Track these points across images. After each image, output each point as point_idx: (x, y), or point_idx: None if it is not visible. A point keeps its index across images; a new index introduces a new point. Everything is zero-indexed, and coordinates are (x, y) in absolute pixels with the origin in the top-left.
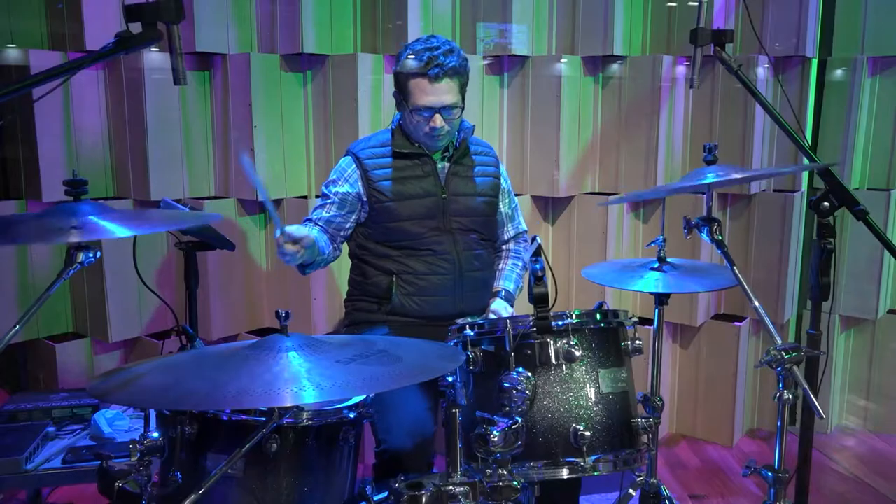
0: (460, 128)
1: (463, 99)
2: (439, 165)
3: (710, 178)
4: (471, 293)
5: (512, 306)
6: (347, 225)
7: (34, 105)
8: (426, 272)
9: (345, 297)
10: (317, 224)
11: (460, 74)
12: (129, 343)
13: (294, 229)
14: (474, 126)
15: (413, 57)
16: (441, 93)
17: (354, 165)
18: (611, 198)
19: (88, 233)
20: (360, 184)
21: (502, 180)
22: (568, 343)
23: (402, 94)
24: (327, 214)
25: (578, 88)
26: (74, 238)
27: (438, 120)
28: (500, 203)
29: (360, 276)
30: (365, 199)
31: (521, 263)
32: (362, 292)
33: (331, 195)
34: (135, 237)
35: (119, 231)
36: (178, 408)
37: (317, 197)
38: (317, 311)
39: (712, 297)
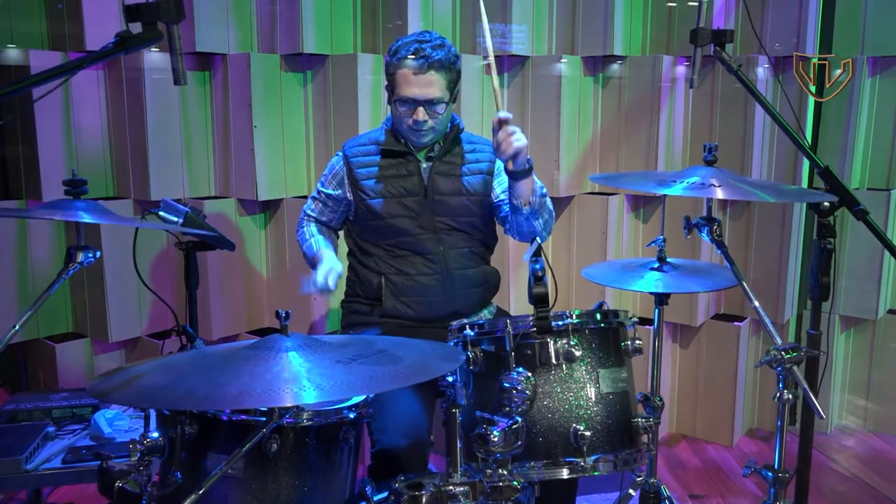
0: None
1: (452, 96)
2: (423, 165)
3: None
4: (462, 292)
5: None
6: (337, 217)
7: (34, 105)
8: (412, 272)
9: (343, 297)
10: (317, 220)
11: (447, 69)
12: (129, 343)
13: (327, 282)
14: (463, 127)
15: (402, 47)
16: (424, 85)
17: (342, 164)
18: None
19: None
20: (345, 182)
21: (495, 178)
22: (568, 343)
23: (389, 85)
24: (318, 209)
25: (578, 88)
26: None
27: (421, 113)
28: (497, 187)
29: (353, 276)
30: (350, 198)
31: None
32: (356, 293)
33: (321, 193)
34: (135, 237)
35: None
36: (178, 408)
37: None
38: (317, 311)
39: (712, 297)
